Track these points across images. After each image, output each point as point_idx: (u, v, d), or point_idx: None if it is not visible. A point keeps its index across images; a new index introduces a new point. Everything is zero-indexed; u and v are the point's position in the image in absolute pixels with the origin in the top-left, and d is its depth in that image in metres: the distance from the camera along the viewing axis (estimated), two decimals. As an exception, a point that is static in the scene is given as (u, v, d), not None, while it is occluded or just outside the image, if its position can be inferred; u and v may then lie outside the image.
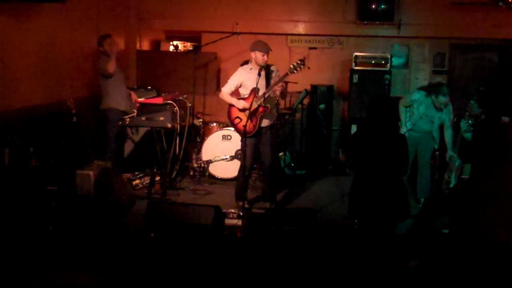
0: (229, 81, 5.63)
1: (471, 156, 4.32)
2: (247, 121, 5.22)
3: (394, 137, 4.15)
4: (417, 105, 5.86)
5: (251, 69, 5.55)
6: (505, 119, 4.73)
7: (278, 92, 5.50)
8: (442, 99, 5.72)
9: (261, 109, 5.42)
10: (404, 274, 3.98)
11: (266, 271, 4.03)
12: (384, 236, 4.08)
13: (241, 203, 5.25)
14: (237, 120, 5.48)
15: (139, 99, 5.68)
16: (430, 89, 5.92)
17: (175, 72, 8.03)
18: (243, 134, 5.11)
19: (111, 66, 6.01)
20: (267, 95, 5.37)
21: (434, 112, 5.82)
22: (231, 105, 5.57)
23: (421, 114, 5.82)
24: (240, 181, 5.58)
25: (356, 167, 4.24)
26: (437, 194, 5.72)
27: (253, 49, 5.51)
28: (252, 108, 5.36)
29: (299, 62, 5.31)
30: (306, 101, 7.49)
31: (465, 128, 5.01)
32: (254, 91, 5.42)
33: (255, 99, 5.35)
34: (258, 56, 5.49)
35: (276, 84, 5.43)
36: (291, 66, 5.35)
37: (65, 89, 6.02)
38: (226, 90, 5.59)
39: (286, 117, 7.25)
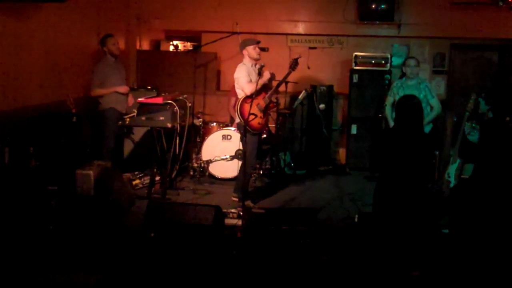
0: (243, 75, 5.45)
1: (477, 155, 4.33)
2: (264, 117, 5.50)
3: (422, 139, 4.13)
4: (397, 91, 6.11)
5: (251, 66, 5.60)
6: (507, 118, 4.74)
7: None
8: (411, 61, 6.03)
9: (271, 105, 5.67)
10: (404, 275, 3.97)
11: (266, 271, 4.03)
12: (404, 236, 4.06)
13: (247, 202, 5.31)
14: (251, 117, 5.37)
15: (139, 99, 5.68)
16: (402, 69, 6.35)
17: (175, 72, 8.03)
18: (245, 131, 5.14)
19: (94, 91, 6.08)
20: (274, 93, 5.60)
21: (412, 91, 5.86)
22: (244, 102, 5.45)
23: (396, 97, 5.95)
24: (245, 180, 5.56)
25: (383, 169, 4.21)
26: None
27: (243, 47, 5.63)
28: (265, 105, 5.53)
29: (294, 62, 5.62)
30: (306, 101, 7.49)
31: (468, 131, 5.02)
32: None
33: (267, 95, 5.52)
34: (250, 52, 5.58)
35: (281, 83, 5.68)
36: (290, 67, 5.63)
37: (65, 89, 6.02)
38: (248, 80, 5.46)
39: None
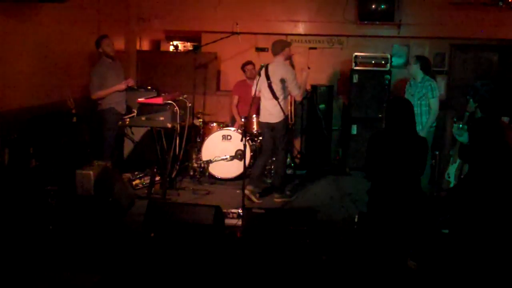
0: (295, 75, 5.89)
1: (469, 155, 4.33)
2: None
3: (414, 140, 4.11)
4: (407, 89, 6.16)
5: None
6: (505, 119, 4.74)
7: None
8: (412, 67, 6.02)
9: None
10: (404, 275, 3.98)
11: (266, 271, 4.03)
12: (399, 238, 4.04)
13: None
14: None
15: (139, 99, 5.68)
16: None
17: (175, 72, 8.03)
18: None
19: (95, 94, 6.07)
20: None
21: (414, 88, 5.99)
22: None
23: (407, 96, 5.96)
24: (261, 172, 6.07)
25: (374, 171, 4.19)
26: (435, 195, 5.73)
27: (283, 47, 5.91)
28: None
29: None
30: (306, 101, 7.49)
31: (457, 132, 5.06)
32: None
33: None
34: (288, 53, 5.96)
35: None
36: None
37: (65, 89, 6.02)
38: None
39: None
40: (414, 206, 4.04)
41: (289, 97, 5.98)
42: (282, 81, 5.76)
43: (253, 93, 5.92)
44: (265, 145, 6.09)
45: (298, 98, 6.05)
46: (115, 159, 6.28)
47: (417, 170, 4.08)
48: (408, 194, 4.05)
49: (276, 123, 5.84)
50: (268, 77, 5.81)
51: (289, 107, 5.99)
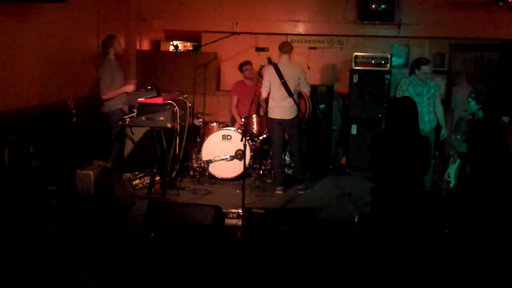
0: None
1: (470, 155, 4.34)
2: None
3: (417, 139, 4.11)
4: (406, 88, 6.15)
5: None
6: (505, 119, 4.76)
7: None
8: (424, 68, 6.03)
9: None
10: (404, 275, 3.98)
11: (266, 271, 4.03)
12: (401, 237, 4.04)
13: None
14: None
15: (139, 99, 5.68)
16: (412, 68, 6.33)
17: (175, 72, 8.03)
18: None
19: (106, 94, 6.11)
20: None
21: (421, 88, 6.05)
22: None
23: (412, 96, 5.90)
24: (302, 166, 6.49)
25: (376, 170, 4.19)
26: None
27: (292, 48, 6.31)
28: None
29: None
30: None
31: (455, 143, 5.11)
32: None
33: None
34: None
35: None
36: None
37: (65, 89, 6.02)
38: None
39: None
40: (418, 206, 4.04)
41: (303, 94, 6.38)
42: (297, 79, 6.11)
43: (264, 93, 6.19)
44: (277, 141, 6.32)
45: (308, 94, 6.40)
46: (116, 160, 6.28)
47: (421, 170, 4.07)
48: (412, 194, 4.04)
49: (292, 119, 6.18)
50: (281, 76, 5.98)
51: (307, 103, 6.41)
